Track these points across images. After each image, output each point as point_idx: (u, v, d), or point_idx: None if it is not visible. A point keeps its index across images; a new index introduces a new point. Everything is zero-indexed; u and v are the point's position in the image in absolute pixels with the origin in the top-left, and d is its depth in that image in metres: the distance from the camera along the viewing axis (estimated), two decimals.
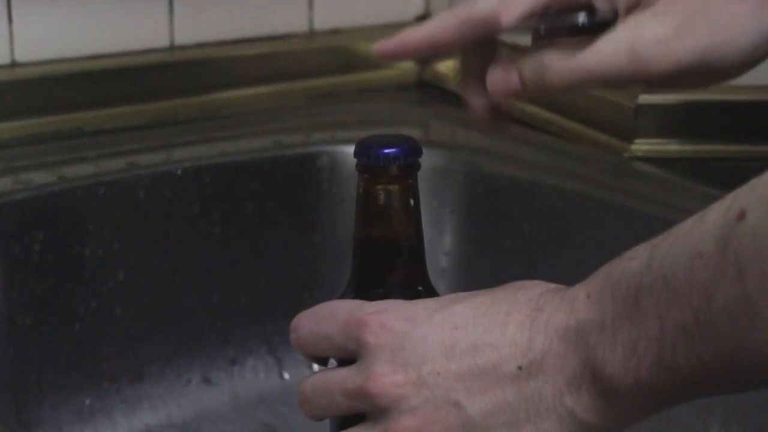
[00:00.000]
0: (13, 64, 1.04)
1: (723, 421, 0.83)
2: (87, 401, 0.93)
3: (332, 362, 0.63)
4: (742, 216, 0.49)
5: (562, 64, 0.66)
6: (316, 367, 0.64)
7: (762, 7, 0.64)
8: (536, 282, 0.59)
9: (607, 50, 0.64)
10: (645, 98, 0.99)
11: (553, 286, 0.58)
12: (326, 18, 1.17)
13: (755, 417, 0.82)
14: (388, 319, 0.58)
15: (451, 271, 1.01)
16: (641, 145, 0.99)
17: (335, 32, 1.18)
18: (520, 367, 0.56)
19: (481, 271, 1.00)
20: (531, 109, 1.07)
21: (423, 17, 1.22)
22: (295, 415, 0.98)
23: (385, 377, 0.57)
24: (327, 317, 0.61)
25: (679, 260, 0.51)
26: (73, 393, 0.92)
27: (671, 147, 0.99)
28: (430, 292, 0.66)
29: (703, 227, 0.51)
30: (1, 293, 0.89)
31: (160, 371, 0.96)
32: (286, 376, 1.00)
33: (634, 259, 0.54)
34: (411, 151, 0.65)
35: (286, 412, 0.98)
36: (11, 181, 0.93)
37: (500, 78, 0.67)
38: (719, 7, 0.64)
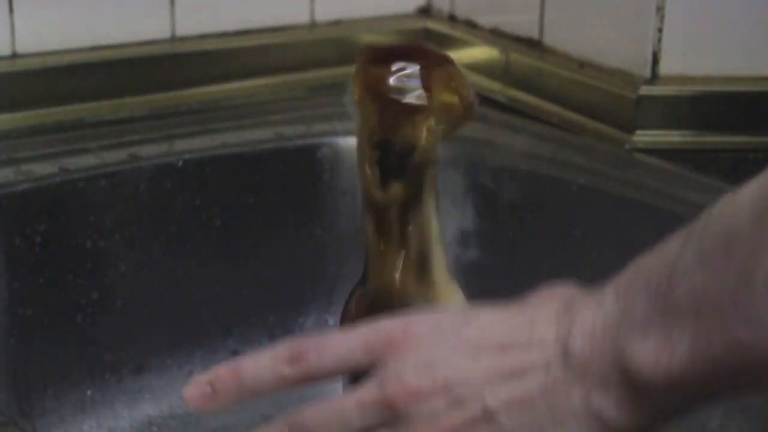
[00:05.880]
0: (14, 55, 1.04)
1: (725, 411, 0.83)
2: (89, 392, 0.93)
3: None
4: None
5: None
6: None
7: None
8: (566, 286, 0.58)
9: None
10: (646, 89, 0.99)
11: (582, 289, 0.57)
12: (328, 9, 1.17)
13: (758, 407, 0.82)
14: (413, 326, 0.58)
15: (452, 263, 1.01)
16: (642, 136, 0.99)
17: (336, 23, 1.18)
18: (547, 366, 0.55)
19: (484, 263, 1.00)
20: (532, 100, 1.07)
21: (425, 9, 1.21)
22: (296, 407, 0.98)
23: (411, 384, 0.56)
24: (340, 337, 0.60)
25: (714, 241, 0.50)
26: (74, 384, 0.92)
27: (673, 138, 0.99)
28: None
29: (735, 205, 0.50)
30: (2, 284, 0.89)
31: (161, 362, 0.96)
32: None
33: (664, 251, 0.53)
34: None
35: (287, 404, 0.98)
36: (12, 173, 0.93)
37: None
38: None
